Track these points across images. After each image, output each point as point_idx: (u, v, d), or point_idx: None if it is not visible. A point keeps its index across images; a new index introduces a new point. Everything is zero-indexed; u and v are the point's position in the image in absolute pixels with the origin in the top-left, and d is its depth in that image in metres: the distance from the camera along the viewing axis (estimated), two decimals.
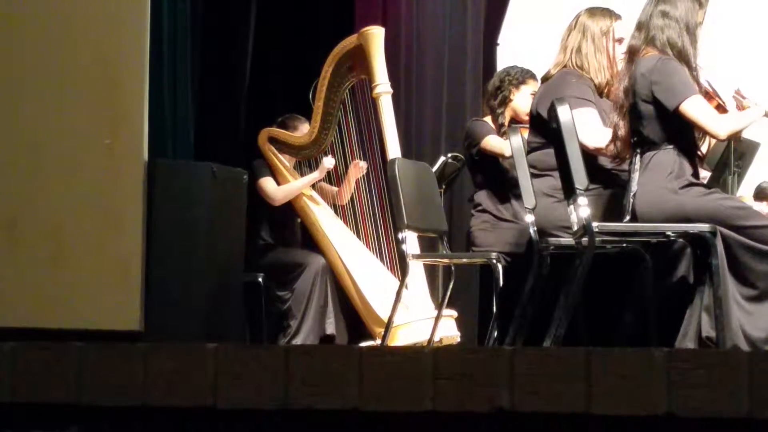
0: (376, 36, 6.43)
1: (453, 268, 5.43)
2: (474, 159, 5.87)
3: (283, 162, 6.69)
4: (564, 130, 4.27)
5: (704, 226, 4.15)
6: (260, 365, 2.41)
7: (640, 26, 4.47)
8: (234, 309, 4.97)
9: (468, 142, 5.95)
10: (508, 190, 5.60)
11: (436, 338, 5.59)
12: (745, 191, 6.93)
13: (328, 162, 6.54)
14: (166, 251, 4.43)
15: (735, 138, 4.71)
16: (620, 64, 4.68)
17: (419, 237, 5.81)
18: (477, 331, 6.23)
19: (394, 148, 6.27)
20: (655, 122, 4.33)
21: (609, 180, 4.65)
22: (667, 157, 4.30)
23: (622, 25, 4.85)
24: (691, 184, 4.27)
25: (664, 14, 4.41)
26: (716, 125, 4.33)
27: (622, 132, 4.47)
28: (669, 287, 4.40)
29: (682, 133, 4.34)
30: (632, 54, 4.48)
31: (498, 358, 2.33)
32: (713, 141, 4.70)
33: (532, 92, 5.72)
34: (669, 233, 4.28)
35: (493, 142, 5.75)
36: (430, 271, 6.43)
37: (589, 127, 4.61)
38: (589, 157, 4.47)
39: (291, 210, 6.64)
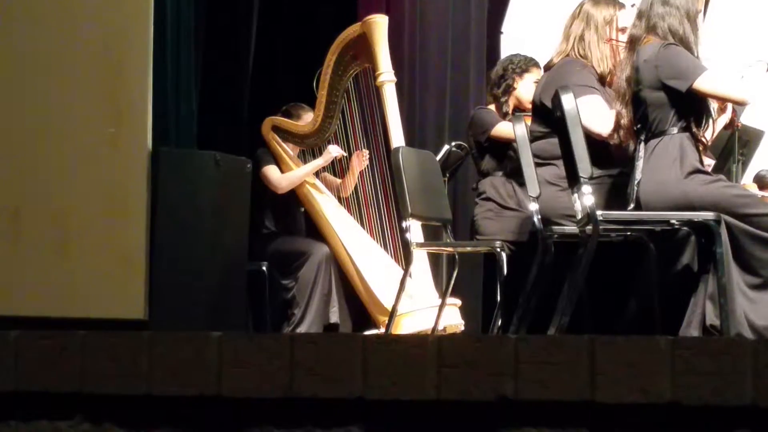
0: (379, 24, 6.42)
1: (457, 256, 5.43)
2: (483, 146, 5.87)
3: (287, 151, 6.68)
4: (568, 118, 4.27)
5: (708, 215, 4.15)
6: (264, 354, 2.42)
7: (641, 15, 4.47)
8: (238, 297, 4.97)
9: (475, 130, 5.94)
10: (519, 177, 5.60)
11: (440, 327, 5.59)
12: (749, 179, 6.93)
13: (335, 150, 6.54)
14: (170, 240, 4.44)
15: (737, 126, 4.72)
16: (623, 54, 4.68)
17: (423, 225, 5.81)
18: (481, 320, 6.23)
19: (397, 137, 6.27)
20: (662, 109, 4.33)
21: (613, 168, 4.65)
22: (672, 144, 4.30)
23: (626, 14, 4.84)
24: (695, 171, 4.27)
25: (665, 2, 4.41)
26: (738, 92, 4.34)
27: (624, 121, 4.48)
28: (673, 275, 4.40)
29: (688, 119, 4.34)
30: (633, 43, 4.48)
31: (502, 346, 2.33)
32: (718, 128, 4.71)
33: (536, 80, 5.72)
34: (673, 221, 4.28)
35: (505, 129, 5.73)
36: (434, 260, 6.43)
37: (596, 113, 4.61)
38: (594, 144, 4.46)
39: (294, 198, 6.64)
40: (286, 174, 6.59)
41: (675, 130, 4.32)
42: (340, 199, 6.71)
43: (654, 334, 3.92)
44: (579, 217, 4.34)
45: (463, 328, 6.13)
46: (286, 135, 6.68)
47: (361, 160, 6.57)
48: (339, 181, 6.76)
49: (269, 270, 6.38)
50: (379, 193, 6.53)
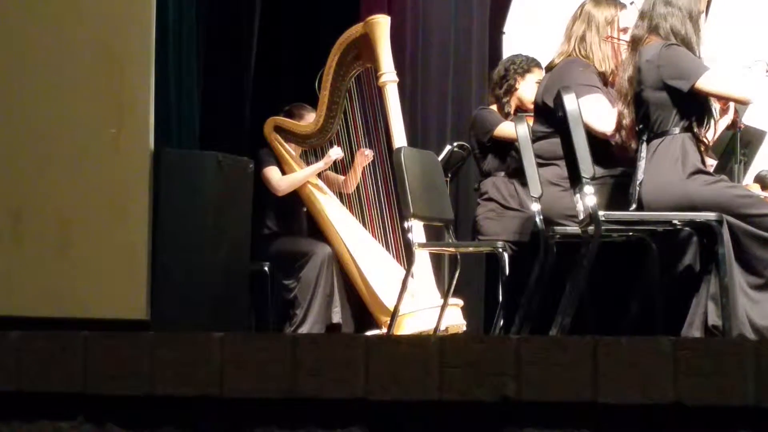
0: (381, 24, 6.42)
1: (459, 256, 5.43)
2: (485, 146, 5.86)
3: (289, 151, 6.69)
4: (570, 118, 4.27)
5: (711, 215, 4.15)
6: (266, 354, 2.41)
7: (643, 15, 4.47)
8: (240, 298, 4.97)
9: (477, 130, 5.94)
10: (521, 177, 5.60)
11: (442, 327, 5.59)
12: (751, 180, 6.93)
13: (335, 152, 6.54)
14: (172, 240, 4.43)
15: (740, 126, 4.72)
16: (625, 54, 4.68)
17: (425, 226, 5.81)
18: (483, 320, 6.23)
19: (399, 137, 6.27)
20: (664, 109, 4.33)
21: (615, 168, 4.64)
22: (674, 144, 4.30)
23: (627, 14, 4.84)
24: (697, 171, 4.27)
25: (667, 2, 4.41)
26: (740, 91, 4.34)
27: (626, 121, 4.47)
28: (675, 276, 4.40)
29: (690, 119, 4.33)
30: (635, 43, 4.48)
31: (504, 346, 2.33)
32: (720, 128, 4.70)
33: (537, 81, 5.72)
34: (675, 222, 4.27)
35: (508, 128, 5.73)
36: (436, 260, 6.42)
37: (599, 112, 4.61)
38: (596, 144, 4.46)
39: (297, 199, 6.64)
40: (286, 176, 6.59)
41: (677, 130, 4.32)
42: (342, 197, 6.70)
43: (656, 334, 3.93)
44: (581, 217, 4.34)
45: (465, 328, 6.13)
46: (288, 135, 6.68)
47: (364, 158, 6.57)
48: (342, 178, 6.76)
49: (271, 270, 6.38)
50: (381, 193, 6.53)
